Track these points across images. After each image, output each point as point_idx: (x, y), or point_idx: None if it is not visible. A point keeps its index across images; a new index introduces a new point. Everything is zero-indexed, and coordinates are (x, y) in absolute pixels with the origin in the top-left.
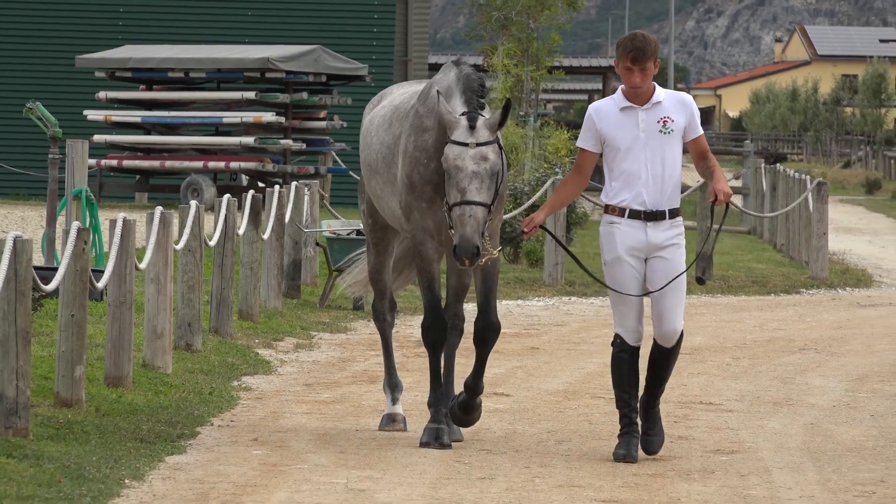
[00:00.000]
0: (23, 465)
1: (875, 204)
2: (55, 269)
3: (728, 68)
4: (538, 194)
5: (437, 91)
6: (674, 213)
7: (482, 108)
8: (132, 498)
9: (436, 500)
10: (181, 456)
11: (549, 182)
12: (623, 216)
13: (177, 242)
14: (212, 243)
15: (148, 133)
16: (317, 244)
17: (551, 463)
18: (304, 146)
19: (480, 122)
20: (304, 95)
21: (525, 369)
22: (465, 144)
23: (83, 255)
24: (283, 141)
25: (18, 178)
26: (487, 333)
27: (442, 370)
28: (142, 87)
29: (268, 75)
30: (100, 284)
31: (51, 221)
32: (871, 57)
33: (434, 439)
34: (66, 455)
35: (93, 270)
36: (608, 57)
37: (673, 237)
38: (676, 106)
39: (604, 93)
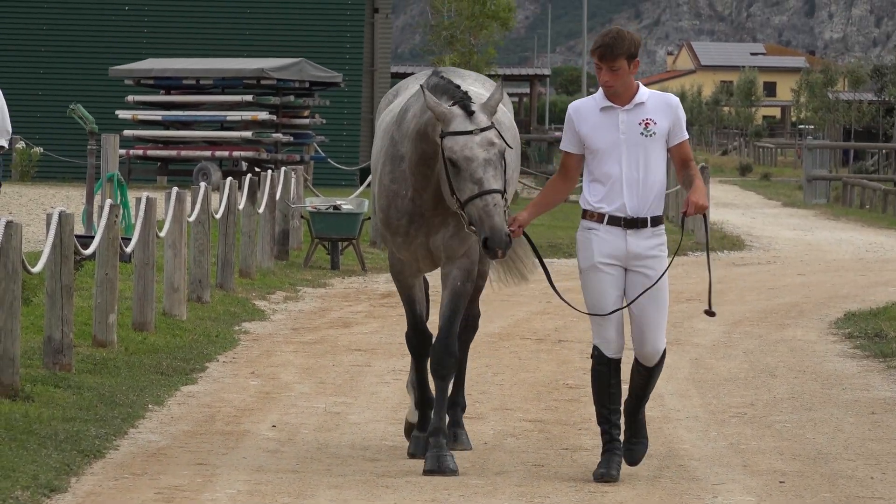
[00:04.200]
0: (67, 393)
1: (747, 184)
2: (92, 238)
3: None
4: None
5: (422, 85)
6: (656, 221)
7: (468, 98)
8: (154, 419)
9: (396, 421)
10: (193, 386)
11: None
12: (601, 222)
13: (189, 216)
14: (217, 216)
15: (167, 128)
16: (301, 217)
17: (489, 391)
18: (291, 139)
19: (476, 107)
20: (292, 98)
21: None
22: (470, 132)
23: (115, 226)
24: (274, 135)
25: (63, 164)
26: (443, 359)
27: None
28: (162, 91)
29: (262, 82)
30: (128, 249)
31: (89, 199)
32: (744, 67)
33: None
34: (101, 385)
35: (122, 238)
36: (534, 67)
37: (654, 247)
38: (660, 108)
39: (531, 97)
